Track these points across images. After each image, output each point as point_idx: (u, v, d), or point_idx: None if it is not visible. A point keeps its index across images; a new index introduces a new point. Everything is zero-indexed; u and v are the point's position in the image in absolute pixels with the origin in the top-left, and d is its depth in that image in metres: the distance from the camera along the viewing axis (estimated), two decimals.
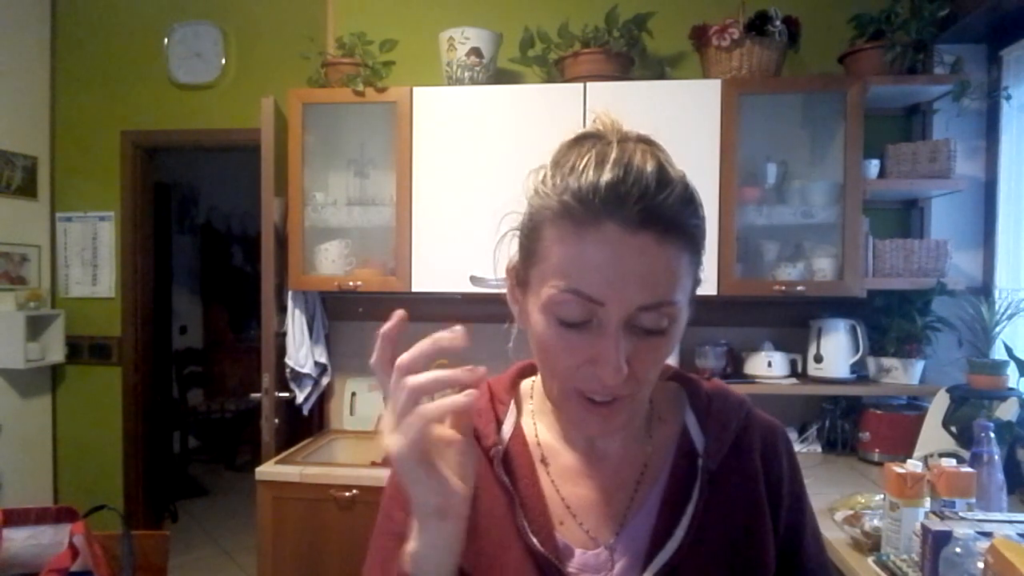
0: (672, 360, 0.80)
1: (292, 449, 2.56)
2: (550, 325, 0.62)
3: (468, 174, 2.50)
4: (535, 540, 0.67)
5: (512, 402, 0.76)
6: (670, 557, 0.66)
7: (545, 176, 0.64)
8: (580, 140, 0.65)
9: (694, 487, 0.69)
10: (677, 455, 0.72)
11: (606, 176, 0.59)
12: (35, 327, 3.14)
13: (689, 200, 0.61)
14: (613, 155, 0.60)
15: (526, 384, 0.80)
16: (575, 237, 0.60)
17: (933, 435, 2.09)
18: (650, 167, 0.59)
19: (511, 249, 0.68)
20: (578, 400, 0.64)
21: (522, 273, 0.67)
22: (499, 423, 0.74)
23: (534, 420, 0.76)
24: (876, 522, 1.56)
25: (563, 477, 0.72)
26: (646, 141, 0.65)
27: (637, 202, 0.58)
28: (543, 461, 0.73)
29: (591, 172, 0.60)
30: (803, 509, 0.75)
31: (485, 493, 0.70)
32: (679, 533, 0.67)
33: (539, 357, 0.68)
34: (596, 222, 0.58)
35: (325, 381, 2.85)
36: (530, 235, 0.65)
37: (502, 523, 0.69)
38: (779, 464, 0.74)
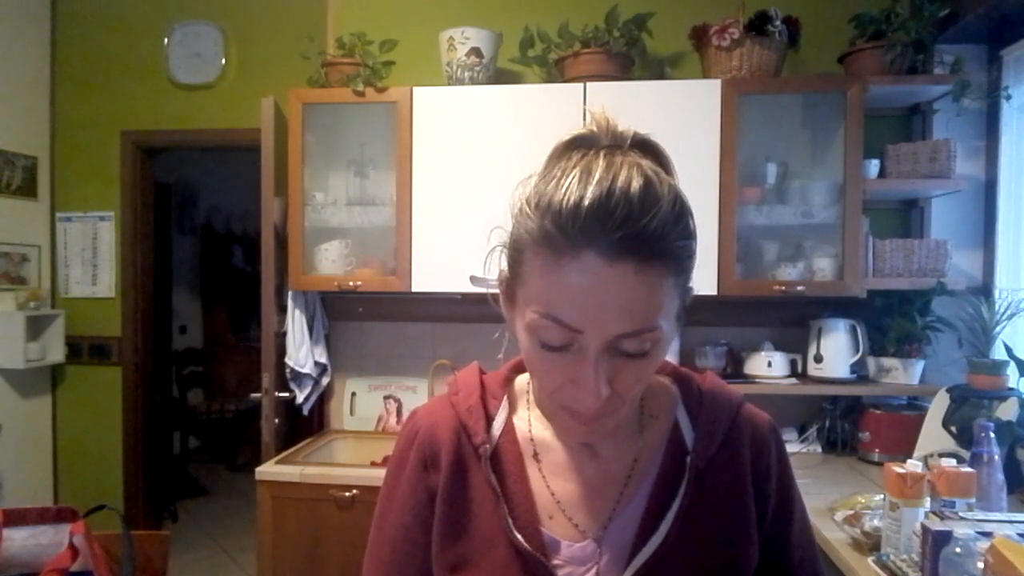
0: (672, 359, 0.80)
1: (292, 449, 2.56)
2: (533, 346, 0.63)
3: (468, 174, 2.49)
4: (519, 536, 0.68)
5: (505, 398, 0.77)
6: (655, 550, 0.68)
7: (530, 192, 0.63)
8: (570, 147, 0.65)
9: (682, 483, 0.71)
10: (667, 451, 0.73)
11: (588, 199, 0.57)
12: (35, 327, 3.14)
13: (676, 219, 0.60)
14: (598, 173, 0.59)
15: (522, 380, 0.81)
16: (554, 265, 0.59)
17: (933, 435, 2.09)
18: (635, 186, 0.58)
19: (501, 262, 0.69)
20: (564, 412, 0.66)
21: (509, 289, 0.68)
22: (490, 420, 0.75)
23: (529, 415, 0.77)
24: (876, 522, 1.56)
25: (554, 472, 0.73)
26: (641, 146, 0.65)
27: (618, 229, 0.57)
28: (535, 456, 0.74)
29: (573, 193, 0.58)
30: (791, 506, 0.76)
31: (474, 491, 0.72)
32: (664, 528, 0.69)
33: (528, 369, 0.70)
34: (575, 250, 0.58)
35: (325, 381, 2.85)
36: (514, 255, 0.65)
37: (489, 520, 0.70)
38: (768, 461, 0.75)
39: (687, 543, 0.69)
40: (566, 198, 0.59)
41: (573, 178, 0.59)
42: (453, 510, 0.72)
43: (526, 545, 0.68)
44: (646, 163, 0.62)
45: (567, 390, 0.63)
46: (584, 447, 0.73)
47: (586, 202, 0.57)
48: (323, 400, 2.92)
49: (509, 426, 0.75)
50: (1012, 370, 2.08)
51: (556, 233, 0.59)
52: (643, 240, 0.57)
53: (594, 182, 0.58)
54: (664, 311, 0.60)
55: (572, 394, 0.63)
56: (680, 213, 0.60)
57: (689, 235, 0.62)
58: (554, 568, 0.68)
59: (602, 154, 0.61)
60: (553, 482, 0.73)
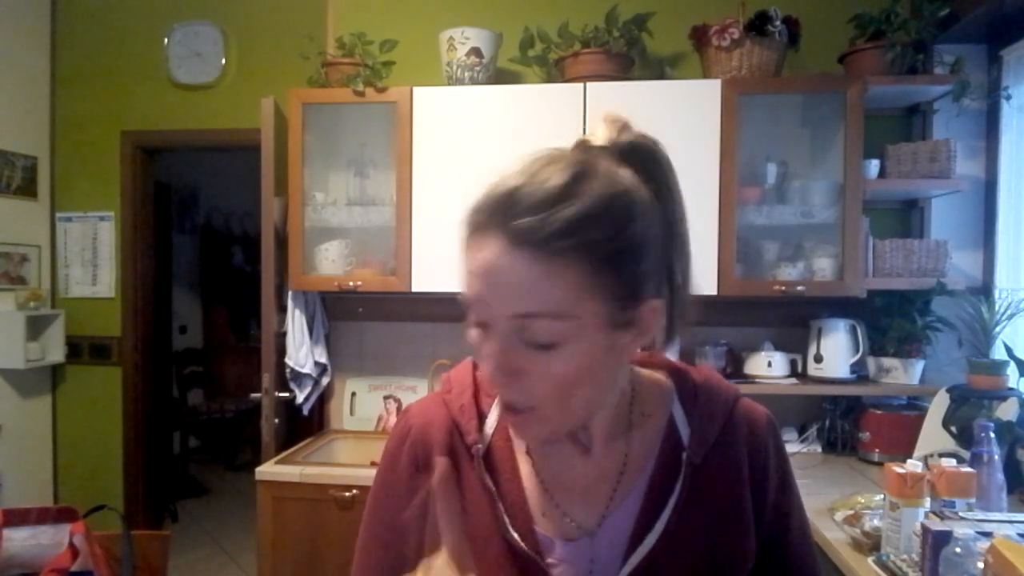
0: (672, 359, 0.80)
1: (292, 449, 2.56)
2: (471, 330, 0.65)
3: (468, 174, 2.49)
4: (515, 535, 0.68)
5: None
6: (650, 548, 0.67)
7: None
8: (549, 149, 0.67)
9: (677, 479, 0.70)
10: (663, 447, 0.72)
11: (502, 188, 0.61)
12: (35, 327, 3.14)
13: (597, 221, 0.59)
14: (535, 167, 0.62)
15: None
16: (467, 245, 0.63)
17: (933, 435, 2.09)
18: (554, 181, 0.60)
19: None
20: (503, 405, 0.67)
21: None
22: (482, 418, 0.75)
23: None
24: (876, 522, 1.56)
25: (548, 469, 0.73)
26: (629, 155, 0.65)
27: (521, 216, 0.59)
28: (528, 454, 0.74)
29: (496, 184, 0.62)
30: (789, 500, 0.75)
31: (468, 491, 0.72)
32: (659, 525, 0.68)
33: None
34: (482, 232, 0.61)
35: (325, 381, 2.85)
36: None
37: (483, 519, 0.70)
38: (765, 457, 0.74)
39: (684, 539, 0.68)
40: (490, 188, 0.62)
41: (508, 173, 0.63)
42: None
43: (521, 544, 0.68)
44: (624, 172, 0.63)
45: (493, 377, 0.64)
46: (577, 443, 0.72)
47: (499, 189, 0.61)
48: (323, 400, 2.92)
49: (502, 424, 0.75)
50: (1012, 370, 2.08)
51: (472, 215, 0.63)
52: (545, 232, 0.58)
53: (518, 172, 0.62)
54: (572, 305, 0.59)
55: (490, 377, 0.64)
56: (603, 211, 0.59)
57: (614, 234, 0.60)
58: (548, 567, 0.68)
59: (570, 152, 0.64)
60: (547, 479, 0.72)
